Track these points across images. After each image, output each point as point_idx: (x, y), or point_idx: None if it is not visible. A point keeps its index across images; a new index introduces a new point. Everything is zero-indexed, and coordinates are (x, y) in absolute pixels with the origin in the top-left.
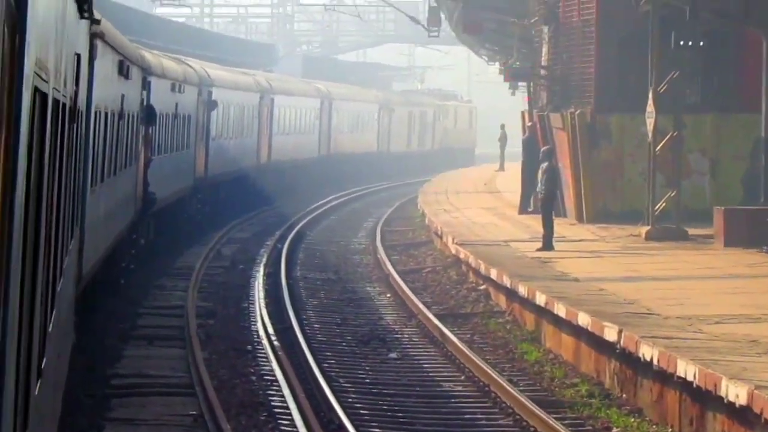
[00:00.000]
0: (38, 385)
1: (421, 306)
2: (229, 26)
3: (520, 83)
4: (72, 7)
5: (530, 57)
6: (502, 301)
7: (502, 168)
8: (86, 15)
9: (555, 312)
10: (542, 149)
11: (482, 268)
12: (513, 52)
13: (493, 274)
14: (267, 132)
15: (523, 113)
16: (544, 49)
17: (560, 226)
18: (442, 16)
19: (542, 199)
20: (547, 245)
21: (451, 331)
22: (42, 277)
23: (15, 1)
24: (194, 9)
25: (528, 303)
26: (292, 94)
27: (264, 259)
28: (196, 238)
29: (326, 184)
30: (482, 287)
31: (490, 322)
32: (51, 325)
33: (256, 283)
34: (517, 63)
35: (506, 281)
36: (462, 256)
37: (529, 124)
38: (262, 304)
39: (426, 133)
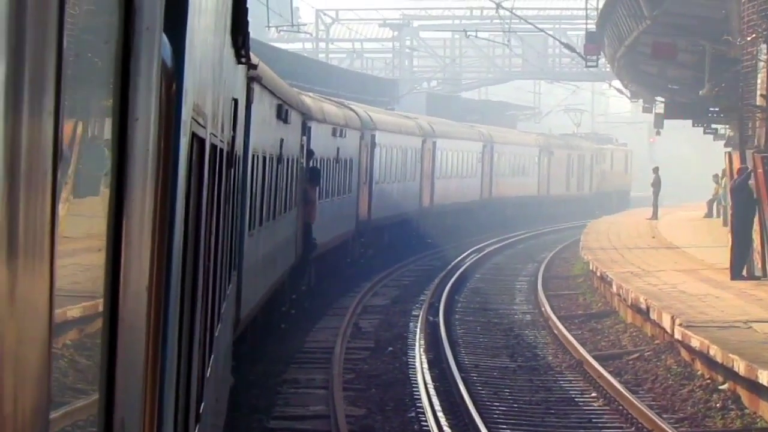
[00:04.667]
0: (196, 430)
1: (651, 416)
2: (344, 61)
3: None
4: (229, 52)
5: (731, 87)
6: (765, 409)
7: (655, 216)
8: (243, 60)
9: None
10: None
11: (738, 368)
12: (703, 81)
13: (764, 378)
14: (429, 176)
15: (729, 155)
16: (761, 75)
17: None
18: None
19: None
20: None
21: None
22: (200, 321)
23: (172, 46)
24: (305, 44)
25: None
26: (454, 137)
27: (418, 333)
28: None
29: (486, 229)
30: (724, 386)
31: None
32: (209, 369)
33: (420, 376)
34: (686, 94)
35: None
36: (696, 344)
37: (743, 167)
38: (440, 416)
39: (584, 176)
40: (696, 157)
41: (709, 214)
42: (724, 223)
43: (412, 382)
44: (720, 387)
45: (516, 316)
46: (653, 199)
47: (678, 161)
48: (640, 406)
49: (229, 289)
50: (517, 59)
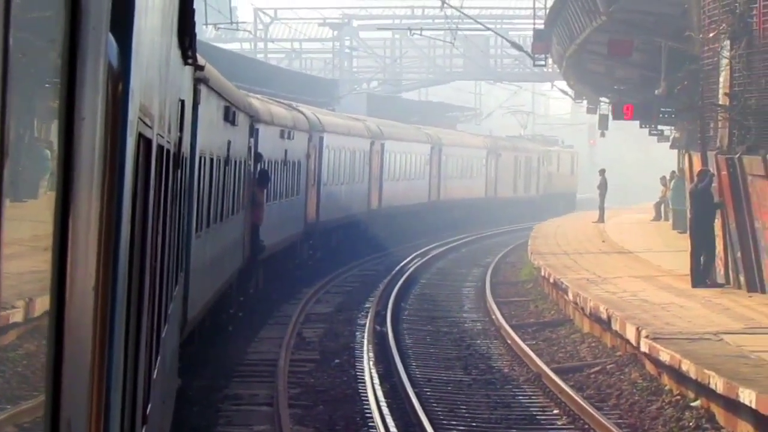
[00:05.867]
0: (143, 431)
1: None
2: (283, 61)
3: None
4: (176, 53)
5: (691, 85)
6: (743, 429)
7: (601, 219)
8: (190, 61)
9: None
10: None
11: (715, 385)
12: (657, 81)
13: (746, 397)
14: (377, 178)
15: (689, 155)
16: (725, 73)
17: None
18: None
19: None
20: None
21: None
22: (146, 323)
23: (118, 46)
24: (243, 44)
25: None
26: (402, 139)
27: (365, 344)
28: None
29: (434, 231)
30: (696, 403)
31: None
32: (155, 371)
33: (371, 392)
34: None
35: None
36: (665, 358)
37: (704, 169)
38: None
39: (531, 178)
40: (636, 159)
41: (657, 217)
42: (674, 227)
43: (363, 398)
44: (692, 404)
45: (466, 325)
46: (600, 202)
47: (618, 163)
48: (607, 424)
49: (176, 290)
50: (458, 59)
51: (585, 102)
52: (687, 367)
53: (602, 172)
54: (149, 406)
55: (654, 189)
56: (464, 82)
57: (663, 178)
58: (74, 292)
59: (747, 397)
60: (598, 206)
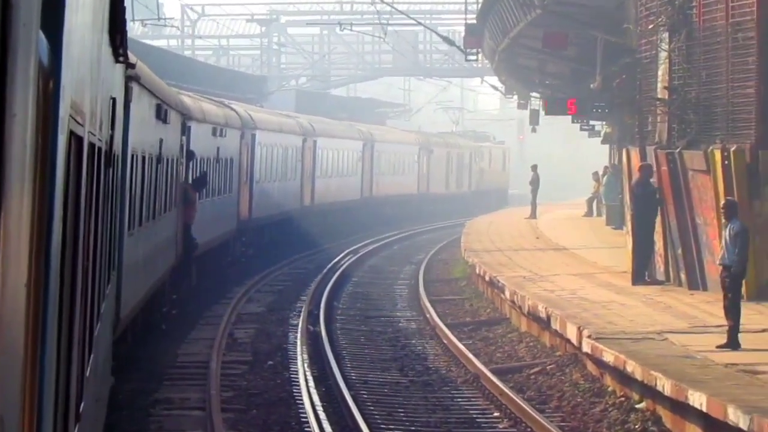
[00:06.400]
0: (76, 430)
1: None
2: (210, 58)
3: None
4: (107, 51)
5: (628, 79)
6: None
7: (533, 215)
8: (121, 59)
9: None
10: (725, 202)
11: (663, 387)
12: (593, 76)
13: (695, 400)
14: (310, 174)
15: (627, 151)
16: (663, 66)
17: (710, 305)
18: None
19: (732, 276)
20: (733, 341)
21: None
22: (79, 321)
23: (49, 43)
24: (170, 41)
25: None
26: (334, 136)
27: (299, 345)
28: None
29: (367, 227)
30: (641, 405)
31: None
32: (88, 369)
33: (306, 395)
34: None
35: (740, 422)
36: (609, 359)
37: (644, 164)
38: None
39: (463, 174)
40: (565, 155)
41: (589, 213)
42: (607, 222)
43: (298, 402)
44: (637, 406)
45: (401, 324)
46: (532, 198)
47: (548, 159)
48: (550, 427)
49: (108, 288)
50: (387, 55)
51: (515, 97)
52: (632, 368)
53: (534, 167)
54: (82, 404)
55: (584, 184)
56: (393, 78)
57: (595, 174)
58: (6, 289)
59: (697, 399)
60: (530, 202)
